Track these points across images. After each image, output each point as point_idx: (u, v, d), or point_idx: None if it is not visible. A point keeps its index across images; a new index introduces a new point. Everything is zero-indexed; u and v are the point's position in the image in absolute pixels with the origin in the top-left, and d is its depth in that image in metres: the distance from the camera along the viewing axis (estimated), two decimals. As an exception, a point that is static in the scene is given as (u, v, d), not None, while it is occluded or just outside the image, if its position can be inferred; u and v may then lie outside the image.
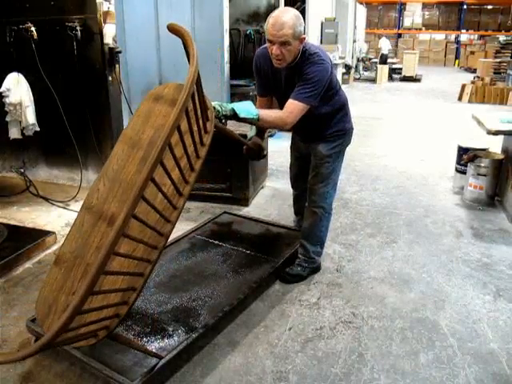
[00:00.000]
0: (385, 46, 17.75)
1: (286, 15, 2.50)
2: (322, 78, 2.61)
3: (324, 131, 2.94)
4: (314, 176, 3.03)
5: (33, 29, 4.22)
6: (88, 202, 2.24)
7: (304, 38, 2.58)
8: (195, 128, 2.03)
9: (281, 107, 2.73)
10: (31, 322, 2.40)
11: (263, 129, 3.12)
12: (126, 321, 2.44)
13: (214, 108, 2.28)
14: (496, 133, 3.97)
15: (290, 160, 3.47)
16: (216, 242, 3.41)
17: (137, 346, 2.17)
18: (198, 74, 2.07)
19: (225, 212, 3.96)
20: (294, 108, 2.59)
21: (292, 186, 3.55)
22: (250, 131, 3.12)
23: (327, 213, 3.09)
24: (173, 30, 2.27)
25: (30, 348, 1.56)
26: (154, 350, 2.23)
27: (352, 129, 3.08)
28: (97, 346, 2.22)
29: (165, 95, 2.32)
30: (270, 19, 2.53)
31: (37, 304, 2.13)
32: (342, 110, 2.96)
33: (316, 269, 3.22)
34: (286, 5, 10.08)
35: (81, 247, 2.11)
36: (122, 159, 2.26)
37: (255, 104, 2.74)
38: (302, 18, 2.56)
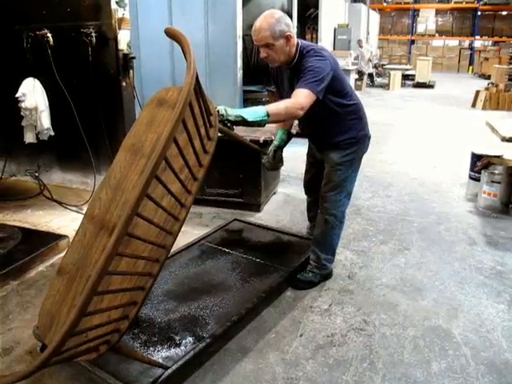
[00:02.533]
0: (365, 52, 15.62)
1: (262, 19, 2.60)
2: (323, 66, 2.60)
3: (336, 137, 2.92)
4: (326, 183, 3.02)
5: (49, 35, 4.29)
6: (90, 211, 2.19)
7: (289, 36, 2.62)
8: (197, 136, 1.93)
9: None
10: (38, 328, 2.41)
11: (288, 136, 3.12)
12: (133, 329, 2.44)
13: (218, 112, 2.23)
14: (510, 139, 3.93)
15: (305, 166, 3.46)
16: (226, 249, 3.39)
17: (140, 358, 2.09)
18: (198, 80, 1.97)
19: (235, 219, 3.95)
20: (299, 94, 2.53)
21: (305, 193, 3.53)
22: (275, 140, 3.09)
23: (339, 221, 3.07)
24: (170, 34, 2.08)
25: (19, 372, 1.50)
26: (160, 360, 2.21)
27: (367, 137, 3.04)
28: (103, 355, 2.23)
29: (168, 99, 2.23)
30: (253, 27, 2.63)
31: (39, 316, 2.09)
32: (354, 115, 2.93)
33: (327, 275, 3.21)
34: (299, 12, 10.12)
35: (83, 258, 2.04)
36: (124, 167, 2.17)
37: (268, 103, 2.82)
38: (283, 17, 2.62)
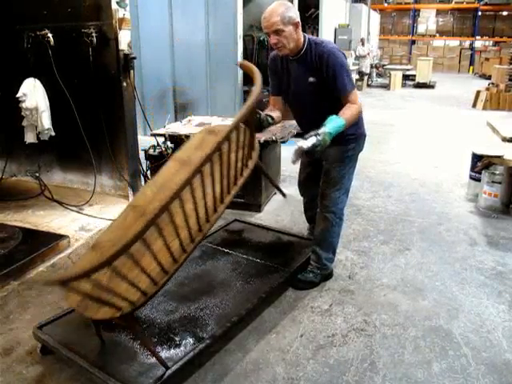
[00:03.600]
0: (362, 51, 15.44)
1: (272, 7, 2.69)
2: (342, 63, 2.74)
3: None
4: (325, 181, 3.03)
5: (49, 35, 4.28)
6: (135, 202, 2.49)
7: (298, 23, 2.72)
8: (232, 171, 2.29)
9: (288, 105, 3.07)
10: (38, 329, 2.42)
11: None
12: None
13: (316, 146, 2.54)
14: (511, 140, 3.93)
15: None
16: (226, 250, 3.39)
17: (151, 349, 2.13)
18: (251, 115, 2.33)
19: (235, 219, 3.95)
20: (353, 96, 2.75)
21: (300, 193, 3.54)
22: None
23: (338, 218, 3.08)
24: (244, 67, 2.59)
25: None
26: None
27: (364, 135, 3.08)
28: (103, 356, 2.26)
29: (217, 130, 2.53)
30: (262, 16, 2.72)
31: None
32: None
33: (328, 275, 3.21)
34: (299, 12, 10.13)
35: (119, 237, 2.14)
36: (171, 172, 2.45)
37: (267, 105, 3.05)
38: (292, 7, 2.76)
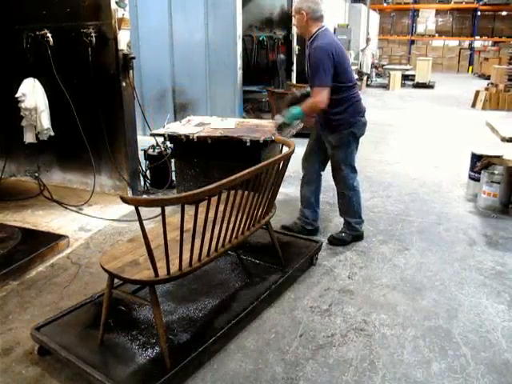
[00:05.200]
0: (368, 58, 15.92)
1: None
2: (321, 56, 3.17)
3: (332, 116, 3.39)
4: (332, 164, 3.60)
5: (49, 35, 4.29)
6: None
7: (305, 15, 3.23)
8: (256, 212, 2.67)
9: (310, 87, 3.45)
10: (36, 330, 2.42)
11: None
12: (131, 331, 2.46)
13: (278, 124, 3.47)
14: (510, 140, 3.93)
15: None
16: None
17: (162, 334, 2.20)
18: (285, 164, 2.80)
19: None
20: (314, 93, 3.29)
21: (302, 168, 3.90)
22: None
23: (353, 191, 3.59)
24: (280, 142, 3.29)
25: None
26: (159, 361, 2.22)
27: (362, 122, 3.45)
28: (101, 356, 2.26)
29: None
30: None
31: (102, 258, 2.34)
32: (349, 101, 3.37)
33: (358, 237, 3.75)
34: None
35: (155, 233, 2.38)
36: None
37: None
38: (312, 2, 3.23)
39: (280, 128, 3.47)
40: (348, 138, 3.44)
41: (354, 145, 3.50)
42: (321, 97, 3.20)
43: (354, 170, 3.58)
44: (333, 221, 4.18)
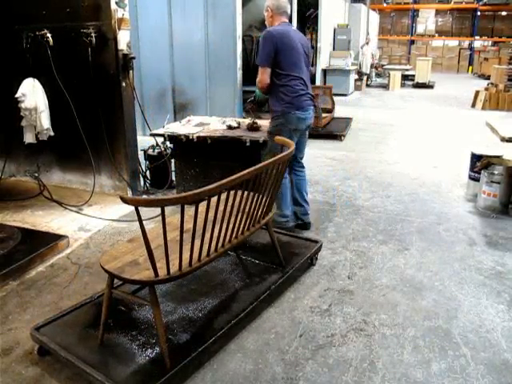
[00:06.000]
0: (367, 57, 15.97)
1: None
2: (263, 41, 3.44)
3: (271, 103, 3.62)
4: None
5: (49, 35, 4.29)
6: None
7: (269, 12, 3.57)
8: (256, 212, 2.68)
9: None
10: (35, 330, 2.42)
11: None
12: (131, 331, 2.46)
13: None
14: (510, 140, 3.93)
15: None
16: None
17: (162, 334, 2.16)
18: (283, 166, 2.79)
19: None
20: (259, 71, 3.50)
21: None
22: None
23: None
24: (280, 142, 3.15)
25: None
26: (159, 361, 2.22)
27: (294, 114, 3.53)
28: (101, 356, 2.26)
29: None
30: None
31: (102, 258, 2.34)
32: (285, 92, 3.50)
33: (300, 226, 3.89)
34: (298, 12, 10.14)
35: (155, 234, 2.39)
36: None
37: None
38: (273, 0, 3.54)
39: (254, 101, 3.96)
40: (279, 127, 3.57)
41: (285, 136, 3.39)
42: (261, 75, 3.48)
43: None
44: (333, 221, 4.18)
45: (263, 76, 3.46)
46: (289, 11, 3.66)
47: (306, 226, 3.92)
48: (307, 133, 3.85)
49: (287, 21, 3.64)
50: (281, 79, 3.49)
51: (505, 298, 2.99)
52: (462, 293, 3.06)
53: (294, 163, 3.84)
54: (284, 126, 3.56)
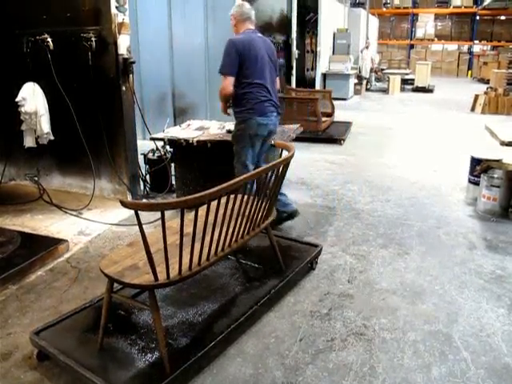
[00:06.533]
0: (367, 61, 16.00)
1: None
2: (225, 50, 3.48)
3: (234, 108, 3.68)
4: None
5: (49, 40, 4.30)
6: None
7: (233, 19, 3.66)
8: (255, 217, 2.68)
9: None
10: (35, 334, 2.41)
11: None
12: (131, 335, 2.45)
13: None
14: (509, 144, 3.93)
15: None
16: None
17: (161, 339, 2.15)
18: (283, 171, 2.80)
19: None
20: (222, 79, 3.54)
21: None
22: None
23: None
24: (279, 145, 3.25)
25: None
26: (159, 366, 2.22)
27: (255, 120, 3.58)
28: (101, 361, 2.26)
29: None
30: None
31: (102, 262, 2.34)
32: (245, 98, 3.57)
33: None
34: (298, 17, 10.16)
35: (155, 238, 2.37)
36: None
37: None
38: (240, 6, 3.65)
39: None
40: (240, 132, 3.66)
41: (247, 142, 3.62)
42: (223, 83, 3.52)
43: (246, 169, 3.61)
44: (333, 224, 4.18)
45: (226, 85, 3.52)
46: (253, 17, 3.71)
47: (292, 215, 3.95)
48: (270, 140, 3.88)
49: (252, 27, 3.70)
50: (244, 87, 3.57)
51: (505, 302, 2.99)
52: (462, 297, 3.05)
53: (257, 162, 3.88)
54: (245, 132, 3.64)
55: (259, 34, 3.72)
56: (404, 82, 16.58)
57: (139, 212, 1.97)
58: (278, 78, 3.86)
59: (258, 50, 3.56)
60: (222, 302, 2.78)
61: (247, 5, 3.68)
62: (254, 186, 3.14)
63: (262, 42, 3.67)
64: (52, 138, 4.54)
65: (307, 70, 14.35)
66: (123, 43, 4.34)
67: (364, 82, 15.37)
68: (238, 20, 3.63)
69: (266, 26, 9.81)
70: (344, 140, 7.72)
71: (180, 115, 7.55)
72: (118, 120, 4.49)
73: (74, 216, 4.33)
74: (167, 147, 4.80)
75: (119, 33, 4.27)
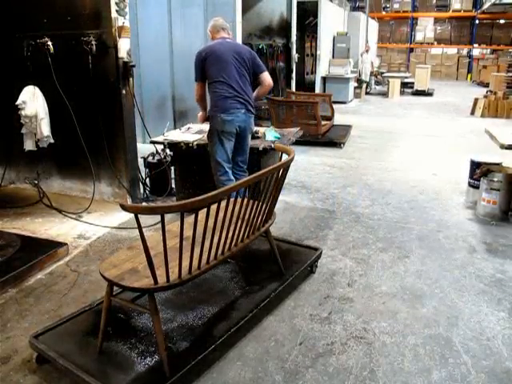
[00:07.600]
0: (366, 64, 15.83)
1: None
2: (194, 60, 3.80)
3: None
4: None
5: (49, 43, 4.31)
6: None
7: (210, 34, 3.95)
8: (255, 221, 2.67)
9: None
10: (34, 338, 2.40)
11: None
12: (130, 339, 2.45)
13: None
14: (509, 147, 3.93)
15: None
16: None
17: (161, 341, 2.13)
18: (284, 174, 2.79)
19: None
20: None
21: None
22: None
23: (221, 184, 3.74)
24: (279, 149, 3.24)
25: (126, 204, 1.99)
26: (158, 369, 2.22)
27: (220, 117, 3.71)
28: (100, 365, 2.25)
29: None
30: None
31: (102, 266, 2.34)
32: (212, 97, 3.78)
33: None
34: (298, 20, 10.19)
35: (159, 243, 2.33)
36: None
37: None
38: (213, 21, 3.95)
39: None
40: (210, 129, 3.85)
41: (216, 139, 3.78)
42: (195, 89, 3.90)
43: (220, 166, 3.81)
44: (333, 228, 4.18)
45: (195, 89, 3.90)
46: (226, 27, 3.97)
47: None
48: (248, 138, 3.98)
49: (226, 35, 3.95)
50: (210, 87, 3.82)
51: (505, 306, 2.98)
52: (462, 300, 3.05)
53: (234, 166, 3.95)
54: (213, 128, 3.82)
55: (229, 40, 3.95)
56: (404, 85, 16.59)
57: (139, 215, 1.97)
58: (263, 74, 3.91)
59: (221, 52, 3.75)
60: (222, 306, 2.77)
61: (220, 20, 3.98)
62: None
63: (230, 46, 3.84)
64: (52, 141, 4.54)
65: (307, 73, 14.40)
66: (123, 47, 4.35)
67: (364, 85, 15.38)
68: (212, 32, 3.94)
69: (266, 30, 9.85)
70: (344, 143, 7.73)
71: (180, 119, 7.55)
72: (117, 123, 4.49)
73: (73, 219, 4.32)
74: (167, 151, 4.80)
75: (119, 36, 4.28)
